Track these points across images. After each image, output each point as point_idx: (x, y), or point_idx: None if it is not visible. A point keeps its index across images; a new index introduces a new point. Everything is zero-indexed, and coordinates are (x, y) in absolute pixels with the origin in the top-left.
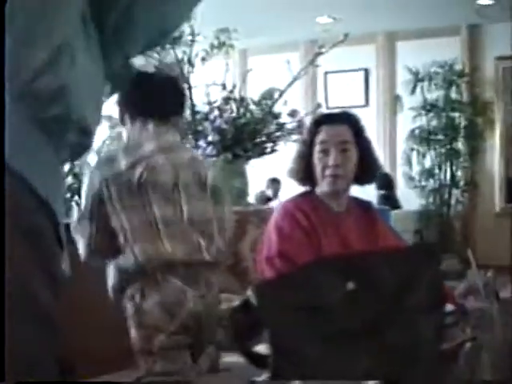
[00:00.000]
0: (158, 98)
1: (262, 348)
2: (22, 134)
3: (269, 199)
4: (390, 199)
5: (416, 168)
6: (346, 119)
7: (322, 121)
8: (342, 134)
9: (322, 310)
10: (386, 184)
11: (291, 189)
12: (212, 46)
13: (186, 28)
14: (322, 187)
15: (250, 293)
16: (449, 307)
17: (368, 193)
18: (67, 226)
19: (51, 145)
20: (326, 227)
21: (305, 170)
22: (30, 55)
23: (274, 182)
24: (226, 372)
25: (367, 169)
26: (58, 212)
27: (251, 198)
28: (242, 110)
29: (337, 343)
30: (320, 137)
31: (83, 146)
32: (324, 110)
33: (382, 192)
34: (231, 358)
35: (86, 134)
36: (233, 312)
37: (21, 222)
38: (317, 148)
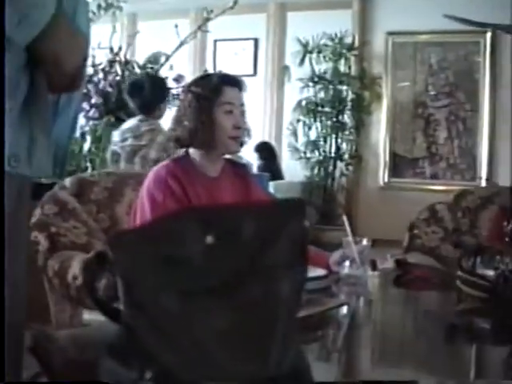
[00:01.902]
0: None
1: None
2: None
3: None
4: (270, 169)
5: (302, 139)
6: (242, 84)
7: (224, 81)
8: (241, 96)
9: (179, 264)
10: (267, 153)
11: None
12: (99, 7)
13: None
14: (223, 149)
15: (105, 245)
16: (321, 272)
17: None
18: None
19: None
20: (199, 193)
21: (201, 130)
22: None
23: None
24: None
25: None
26: None
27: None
28: (126, 74)
29: (195, 298)
30: (225, 97)
31: None
32: None
33: (263, 161)
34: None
35: None
36: (85, 264)
37: None
38: (222, 108)
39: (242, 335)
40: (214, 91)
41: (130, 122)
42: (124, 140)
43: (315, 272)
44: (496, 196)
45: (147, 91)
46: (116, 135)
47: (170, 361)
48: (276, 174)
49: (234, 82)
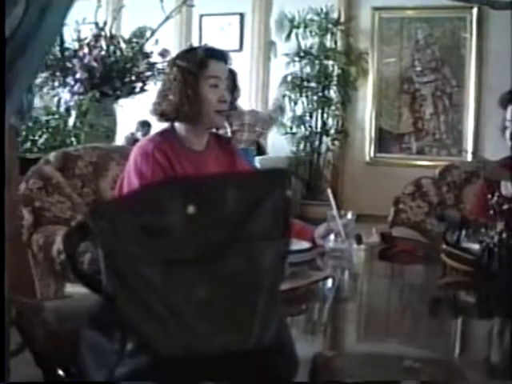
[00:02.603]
0: None
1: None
2: None
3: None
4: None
5: (288, 114)
6: (227, 57)
7: (209, 54)
8: (226, 70)
9: (160, 234)
10: None
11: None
12: None
13: None
14: (209, 122)
15: (86, 215)
16: (306, 245)
17: None
18: None
19: None
20: (185, 167)
21: (186, 104)
22: None
23: (144, 125)
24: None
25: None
26: None
27: (121, 140)
28: (112, 48)
29: (175, 268)
30: (210, 70)
31: None
32: None
33: None
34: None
35: None
36: (66, 235)
37: None
38: (207, 82)
39: (223, 306)
40: (199, 65)
41: None
42: None
43: (300, 245)
44: (482, 170)
45: None
46: None
47: (150, 332)
48: (258, 148)
49: (220, 56)
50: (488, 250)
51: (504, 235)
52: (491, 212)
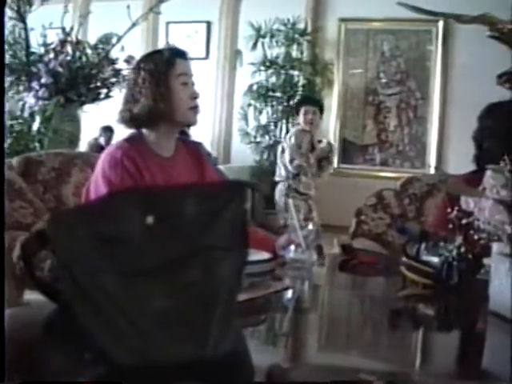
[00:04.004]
0: None
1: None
2: None
3: (102, 147)
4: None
5: (252, 124)
6: (188, 56)
7: (175, 53)
8: (191, 67)
9: (119, 244)
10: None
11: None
12: None
13: None
14: (183, 120)
15: (45, 223)
16: (265, 255)
17: None
18: None
19: None
20: (154, 173)
21: (161, 104)
22: None
23: (107, 130)
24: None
25: None
26: None
27: (84, 145)
28: (77, 54)
29: (133, 279)
30: (178, 69)
31: None
32: None
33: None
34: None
35: None
36: (25, 242)
37: None
38: (178, 80)
39: (180, 316)
40: (167, 64)
41: None
42: None
43: (260, 255)
44: (443, 183)
45: None
46: None
47: (108, 341)
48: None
49: (184, 54)
50: (447, 263)
51: (462, 249)
52: (450, 226)
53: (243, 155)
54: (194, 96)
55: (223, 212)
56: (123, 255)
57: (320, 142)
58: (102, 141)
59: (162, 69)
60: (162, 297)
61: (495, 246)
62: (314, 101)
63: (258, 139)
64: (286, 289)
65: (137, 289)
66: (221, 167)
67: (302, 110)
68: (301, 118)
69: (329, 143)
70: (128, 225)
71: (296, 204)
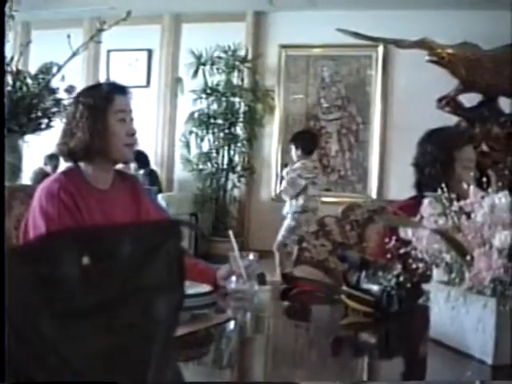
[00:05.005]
0: None
1: None
2: None
3: (47, 175)
4: (150, 176)
5: (194, 151)
6: (129, 91)
7: (114, 89)
8: (130, 103)
9: (55, 285)
10: (144, 161)
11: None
12: None
13: None
14: (118, 157)
15: None
16: (206, 288)
17: None
18: None
19: None
20: (91, 207)
21: (97, 140)
22: None
23: (52, 158)
24: None
25: None
26: None
27: (27, 175)
28: (18, 84)
29: (73, 321)
30: (117, 105)
31: None
32: None
33: (142, 170)
34: None
35: None
36: None
37: None
38: (115, 116)
39: (117, 357)
40: (105, 100)
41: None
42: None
43: (201, 288)
44: (381, 213)
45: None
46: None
47: (44, 382)
48: (154, 181)
49: (123, 90)
50: (386, 292)
51: (401, 278)
52: (389, 255)
53: (185, 183)
54: (132, 133)
55: (159, 252)
56: (60, 296)
57: None
58: (48, 169)
59: (101, 104)
60: (99, 338)
61: (435, 273)
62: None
63: (201, 166)
64: (228, 320)
65: (74, 330)
66: (163, 195)
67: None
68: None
69: None
70: (65, 265)
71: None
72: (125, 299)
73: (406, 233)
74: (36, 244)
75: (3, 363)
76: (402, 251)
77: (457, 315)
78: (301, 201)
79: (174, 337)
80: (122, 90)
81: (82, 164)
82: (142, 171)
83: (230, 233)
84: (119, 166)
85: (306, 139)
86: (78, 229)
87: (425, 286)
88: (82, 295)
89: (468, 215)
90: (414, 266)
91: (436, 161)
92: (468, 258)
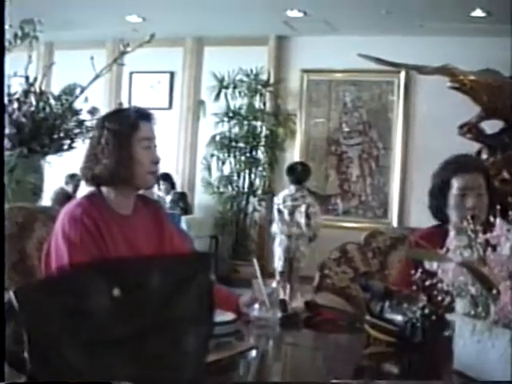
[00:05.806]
0: None
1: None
2: None
3: (68, 196)
4: (178, 202)
5: (215, 174)
6: (154, 117)
7: (140, 116)
8: (154, 130)
9: (85, 316)
10: (170, 183)
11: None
12: (15, 37)
13: None
14: (142, 184)
15: (11, 295)
16: (230, 316)
17: None
18: None
19: None
20: (113, 232)
21: (122, 167)
22: None
23: (73, 178)
24: None
25: None
26: None
27: (48, 195)
28: (41, 104)
29: (100, 350)
30: (142, 132)
31: None
32: None
33: (172, 192)
34: None
35: None
36: None
37: None
38: (141, 144)
39: None
40: (131, 127)
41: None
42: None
43: (224, 316)
44: (406, 239)
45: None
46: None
47: None
48: (184, 206)
49: (148, 117)
50: (411, 323)
51: (426, 310)
52: (414, 287)
53: (206, 206)
54: (156, 161)
55: (189, 284)
56: (89, 327)
57: None
58: (69, 188)
59: (126, 131)
60: (128, 367)
61: (458, 306)
62: None
63: (221, 189)
64: (251, 349)
65: (102, 359)
66: (184, 218)
67: None
68: None
69: None
70: (94, 298)
71: None
72: (154, 330)
73: (432, 265)
74: (66, 277)
75: (3, 363)
76: (427, 283)
77: (482, 348)
78: (284, 227)
79: (204, 366)
80: (147, 117)
81: (104, 189)
82: (171, 193)
83: (255, 261)
84: (141, 191)
85: (296, 170)
86: (104, 261)
87: (449, 317)
88: (112, 325)
89: (494, 248)
90: (439, 297)
91: (434, 188)
92: (494, 291)
